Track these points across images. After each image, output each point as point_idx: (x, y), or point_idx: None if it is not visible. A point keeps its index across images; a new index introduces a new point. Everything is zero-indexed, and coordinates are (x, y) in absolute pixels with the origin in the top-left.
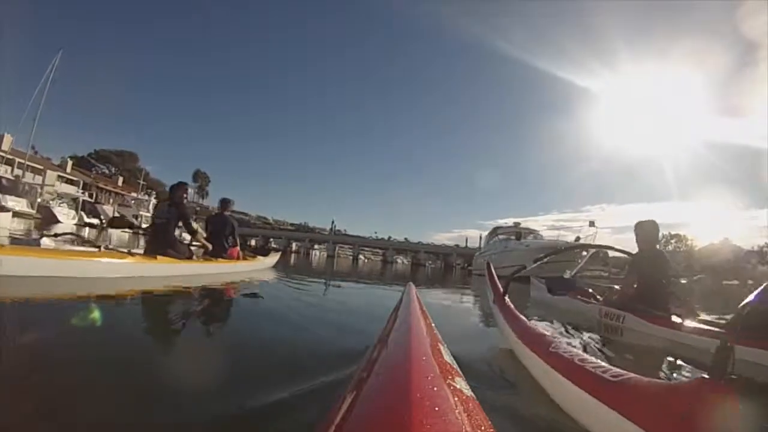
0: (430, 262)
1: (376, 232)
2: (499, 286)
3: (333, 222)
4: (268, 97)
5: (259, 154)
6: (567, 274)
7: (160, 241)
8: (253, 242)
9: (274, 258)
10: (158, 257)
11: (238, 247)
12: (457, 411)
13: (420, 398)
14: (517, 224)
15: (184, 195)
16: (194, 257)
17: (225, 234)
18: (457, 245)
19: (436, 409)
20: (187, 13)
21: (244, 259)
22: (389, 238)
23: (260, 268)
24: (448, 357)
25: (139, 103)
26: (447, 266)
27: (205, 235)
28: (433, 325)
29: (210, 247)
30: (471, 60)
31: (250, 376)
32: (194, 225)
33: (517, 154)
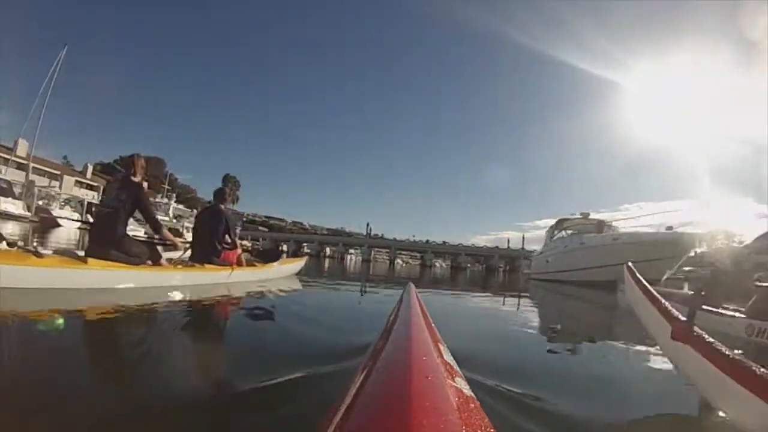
0: (469, 265)
1: (414, 236)
2: (671, 308)
3: (368, 225)
4: (310, 106)
5: (296, 161)
6: (667, 275)
7: (101, 238)
8: (284, 247)
9: (294, 264)
10: (90, 260)
11: (239, 250)
12: (457, 411)
13: (420, 398)
14: (585, 215)
15: (142, 173)
16: (165, 261)
17: (217, 233)
18: (497, 247)
19: (436, 409)
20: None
21: (251, 265)
22: (427, 241)
23: (272, 276)
24: (448, 357)
25: (174, 111)
26: (489, 269)
27: (179, 236)
28: (433, 324)
29: (180, 245)
30: (506, 59)
31: None
32: (157, 215)
33: (553, 154)
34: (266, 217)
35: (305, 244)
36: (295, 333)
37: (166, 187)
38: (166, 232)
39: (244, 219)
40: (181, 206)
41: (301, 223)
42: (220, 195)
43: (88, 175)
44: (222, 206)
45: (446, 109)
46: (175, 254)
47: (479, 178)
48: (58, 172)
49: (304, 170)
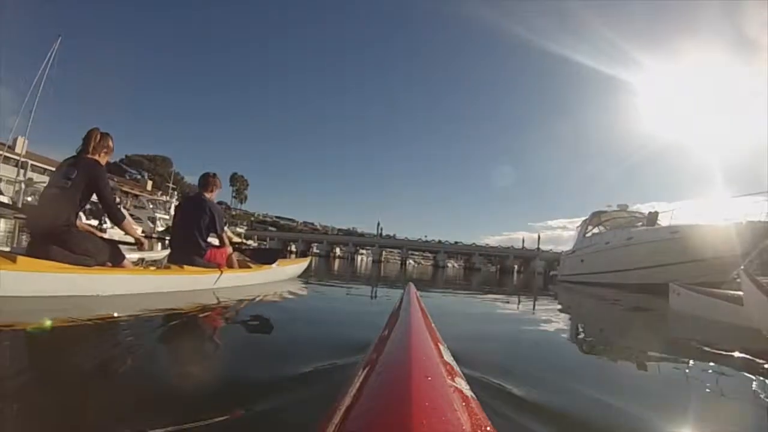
0: (482, 266)
1: (426, 236)
2: None
3: (379, 224)
4: (325, 107)
5: (308, 162)
6: (742, 266)
7: (41, 229)
8: (293, 247)
9: (296, 265)
10: (20, 259)
11: (229, 249)
12: (457, 411)
13: (420, 398)
14: (623, 207)
15: (104, 152)
16: (131, 263)
17: (201, 227)
18: (511, 246)
19: (436, 409)
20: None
21: (244, 266)
22: (439, 241)
23: (270, 279)
24: (448, 357)
25: (184, 113)
26: (503, 270)
27: (141, 228)
28: (433, 324)
29: (144, 243)
30: (515, 58)
31: None
32: (117, 203)
33: (563, 154)
34: (277, 217)
35: (314, 244)
36: (295, 351)
37: (171, 185)
38: (128, 224)
39: (253, 219)
40: None
41: (312, 224)
42: (204, 182)
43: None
44: (207, 195)
45: (457, 110)
46: (157, 255)
47: (490, 178)
48: (54, 169)
49: (317, 172)
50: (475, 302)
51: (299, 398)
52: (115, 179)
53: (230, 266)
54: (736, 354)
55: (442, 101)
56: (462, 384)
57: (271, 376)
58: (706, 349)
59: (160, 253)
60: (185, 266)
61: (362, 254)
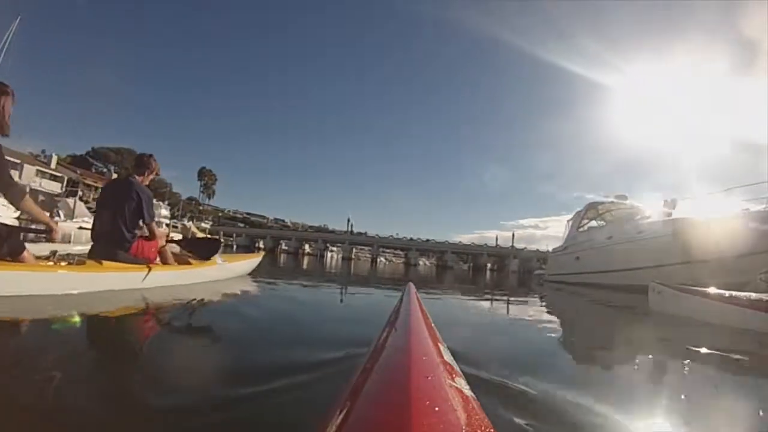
0: (454, 263)
1: (397, 233)
2: None
3: (349, 220)
4: (298, 105)
5: (279, 158)
6: None
7: None
8: (261, 243)
9: (245, 261)
10: None
11: (162, 240)
12: (457, 411)
13: (420, 398)
14: (621, 197)
15: None
16: (31, 255)
17: (125, 215)
18: (485, 244)
19: (436, 409)
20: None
21: (184, 262)
22: (411, 239)
23: (213, 277)
24: (448, 357)
25: (159, 111)
26: (476, 268)
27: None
28: (433, 325)
29: (57, 231)
30: (483, 57)
31: None
32: (10, 177)
33: (537, 153)
34: (247, 213)
35: (283, 240)
36: (240, 364)
37: None
38: (29, 204)
39: (221, 215)
40: None
41: (283, 220)
42: (138, 163)
43: (53, 165)
44: (139, 178)
45: (432, 111)
46: (81, 248)
47: (463, 177)
48: (19, 161)
49: (287, 168)
50: (469, 305)
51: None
52: (78, 171)
53: (165, 262)
54: None
55: (418, 101)
56: (462, 384)
57: (203, 402)
58: None
59: (86, 246)
60: (105, 262)
61: (332, 251)
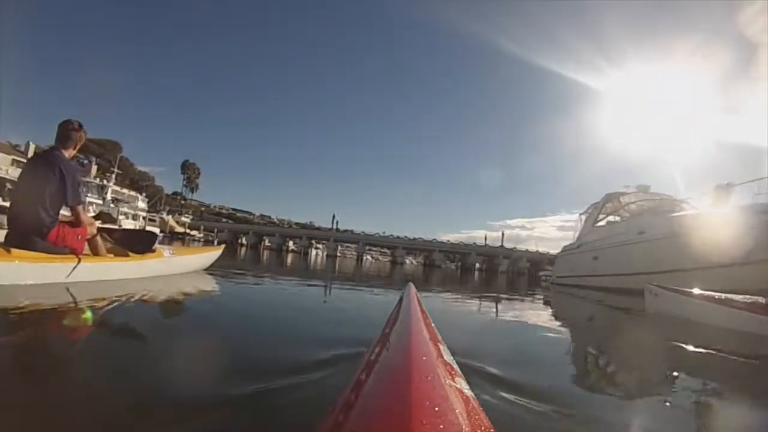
0: (442, 262)
1: (384, 231)
2: None
3: (334, 217)
4: (285, 101)
5: (265, 153)
6: None
7: None
8: (244, 240)
9: (199, 255)
10: None
11: (91, 228)
12: (457, 411)
13: (420, 398)
14: (644, 188)
15: None
16: None
17: (44, 195)
18: (474, 243)
19: (436, 409)
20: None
21: (120, 254)
22: (398, 237)
23: (160, 272)
24: (448, 357)
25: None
26: (465, 268)
27: None
28: (433, 325)
29: None
30: (475, 59)
31: None
32: None
33: (525, 155)
34: (233, 209)
35: (267, 237)
36: (186, 372)
37: (116, 170)
38: None
39: (204, 209)
40: (126, 190)
41: (269, 217)
42: (62, 132)
43: (30, 153)
44: (64, 152)
45: (418, 110)
46: None
47: (450, 176)
48: None
49: (276, 166)
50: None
51: None
52: None
53: (96, 253)
54: None
55: (404, 100)
56: (462, 384)
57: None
58: None
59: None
60: (15, 250)
61: (317, 249)
